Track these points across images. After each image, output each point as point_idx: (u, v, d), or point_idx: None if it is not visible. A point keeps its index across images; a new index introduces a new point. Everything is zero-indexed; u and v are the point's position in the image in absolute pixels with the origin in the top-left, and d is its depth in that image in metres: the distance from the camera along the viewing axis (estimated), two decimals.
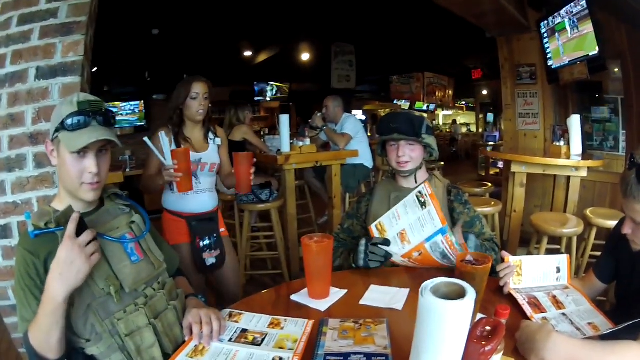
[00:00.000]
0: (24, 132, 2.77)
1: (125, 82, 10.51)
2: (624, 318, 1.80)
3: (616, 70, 5.71)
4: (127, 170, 8.11)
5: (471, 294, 0.97)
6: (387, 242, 2.47)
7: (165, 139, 3.13)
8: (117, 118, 10.05)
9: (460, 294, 0.98)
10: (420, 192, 2.38)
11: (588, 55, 5.59)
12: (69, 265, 1.58)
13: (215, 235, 3.63)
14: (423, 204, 2.36)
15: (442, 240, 2.30)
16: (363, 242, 2.59)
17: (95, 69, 7.54)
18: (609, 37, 5.52)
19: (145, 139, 3.19)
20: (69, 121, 1.77)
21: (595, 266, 2.41)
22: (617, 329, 1.80)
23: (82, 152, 1.79)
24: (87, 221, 1.79)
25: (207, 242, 3.55)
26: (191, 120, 3.51)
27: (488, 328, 1.26)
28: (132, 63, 10.03)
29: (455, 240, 2.30)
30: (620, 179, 1.87)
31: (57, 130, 1.80)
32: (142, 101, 10.70)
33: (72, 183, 1.83)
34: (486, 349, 1.18)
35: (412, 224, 2.41)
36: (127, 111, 10.51)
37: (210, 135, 3.66)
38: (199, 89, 3.42)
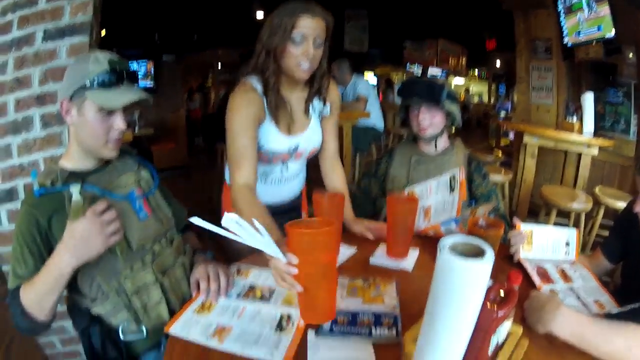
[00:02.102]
0: (30, 95, 2.73)
1: (135, 44, 10.38)
2: (628, 299, 1.83)
3: (631, 55, 5.66)
4: (136, 129, 8.15)
5: (490, 254, 0.97)
6: None
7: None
8: None
9: (477, 253, 0.98)
10: (454, 176, 2.41)
11: (604, 37, 5.57)
12: (84, 240, 1.57)
13: None
14: (452, 189, 2.39)
15: (456, 228, 2.33)
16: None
17: (104, 30, 7.54)
18: (625, 22, 5.45)
19: (228, 218, 1.44)
20: (101, 79, 1.72)
21: (603, 245, 2.42)
22: (623, 310, 1.82)
23: (110, 111, 1.77)
24: (94, 178, 1.82)
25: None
26: (289, 75, 2.21)
27: (502, 293, 1.28)
28: (141, 24, 9.96)
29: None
30: (634, 157, 1.89)
31: (82, 89, 1.73)
32: (152, 61, 10.64)
33: (96, 141, 1.80)
34: (499, 314, 1.19)
35: (437, 203, 2.44)
36: (137, 73, 10.30)
37: (315, 101, 2.44)
38: (307, 26, 2.06)
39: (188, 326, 1.63)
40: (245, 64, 2.28)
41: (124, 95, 1.75)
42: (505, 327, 1.40)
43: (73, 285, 1.71)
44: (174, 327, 1.63)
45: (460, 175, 2.37)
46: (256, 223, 1.43)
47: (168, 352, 1.51)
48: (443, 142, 2.85)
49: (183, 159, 9.98)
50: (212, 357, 1.48)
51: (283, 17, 2.07)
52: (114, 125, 1.79)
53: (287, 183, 2.60)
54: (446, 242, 1.00)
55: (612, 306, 1.88)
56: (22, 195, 2.76)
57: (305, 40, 2.08)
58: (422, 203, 2.48)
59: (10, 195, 2.77)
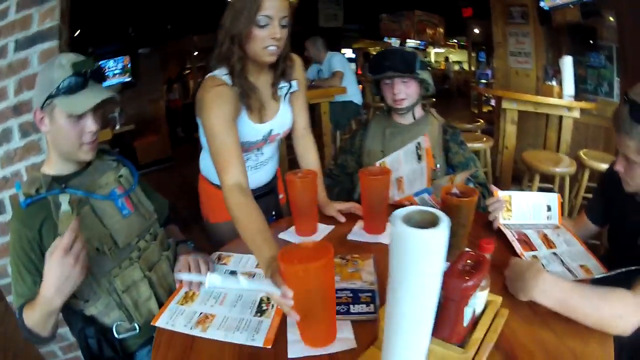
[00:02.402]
0: (7, 106, 2.74)
1: (110, 41, 10.33)
2: (617, 263, 1.81)
3: (611, 19, 5.65)
4: (117, 127, 8.11)
5: (445, 222, 0.94)
6: None
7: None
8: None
9: (433, 223, 0.96)
10: (419, 143, 2.38)
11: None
12: (65, 279, 1.56)
13: (274, 213, 2.76)
14: (420, 157, 2.37)
15: (429, 198, 2.32)
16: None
17: (78, 32, 7.47)
18: None
19: (211, 282, 1.44)
20: (66, 85, 1.71)
21: (587, 208, 2.42)
22: (610, 274, 1.81)
23: (80, 115, 1.77)
24: (76, 182, 1.84)
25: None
26: (256, 60, 2.15)
27: (470, 262, 1.28)
28: (114, 20, 9.89)
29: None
30: (613, 115, 1.87)
31: (50, 97, 1.73)
32: (128, 56, 10.57)
33: (71, 146, 1.80)
34: (468, 283, 1.19)
35: (408, 174, 2.42)
36: (113, 69, 10.34)
37: (282, 82, 2.37)
38: (272, 7, 1.97)
39: (173, 317, 1.68)
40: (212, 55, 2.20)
41: (89, 99, 1.75)
42: (482, 297, 1.41)
43: None
44: (161, 319, 1.67)
45: (425, 143, 2.34)
46: (239, 276, 1.41)
47: (156, 344, 1.55)
48: (418, 112, 2.85)
49: (166, 151, 9.98)
50: (196, 344, 1.53)
51: (245, 0, 1.97)
52: (86, 128, 1.80)
53: (262, 167, 2.57)
54: (399, 213, 0.98)
55: (599, 271, 1.87)
56: (8, 207, 2.79)
57: (270, 21, 1.99)
58: (395, 174, 2.48)
59: None
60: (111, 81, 10.03)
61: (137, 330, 1.90)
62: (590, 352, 1.38)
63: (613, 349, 1.41)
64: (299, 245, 1.42)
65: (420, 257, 0.94)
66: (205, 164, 2.55)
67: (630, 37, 5.07)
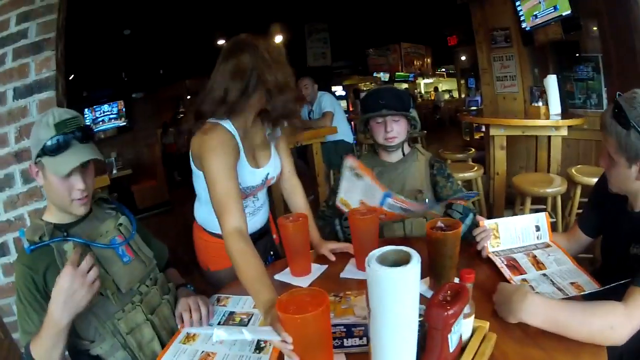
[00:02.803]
0: (8, 152, 2.80)
1: (103, 85, 10.37)
2: (611, 275, 1.84)
3: (594, 28, 5.72)
4: (114, 172, 8.13)
5: (416, 259, 0.98)
6: None
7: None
8: (99, 121, 10.08)
9: (407, 261, 1.01)
10: (349, 166, 2.46)
11: (561, 15, 5.65)
12: (71, 295, 1.61)
13: (272, 253, 2.83)
14: (359, 176, 2.43)
15: (394, 201, 2.34)
16: (336, 221, 2.66)
17: (72, 76, 7.53)
18: None
19: (217, 335, 1.56)
20: (50, 145, 1.76)
21: (579, 219, 2.43)
22: (601, 289, 1.83)
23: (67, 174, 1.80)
24: (77, 230, 1.88)
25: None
26: (252, 112, 2.32)
27: (450, 292, 1.30)
28: (107, 65, 9.96)
29: (404, 197, 2.33)
30: (601, 115, 1.92)
31: (39, 155, 1.79)
32: (122, 101, 10.60)
33: (62, 201, 1.85)
34: (449, 312, 1.21)
35: (363, 194, 2.46)
36: (108, 114, 10.39)
37: (268, 129, 2.52)
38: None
39: (176, 356, 1.73)
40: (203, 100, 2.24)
41: (72, 160, 1.78)
42: (467, 324, 1.45)
43: (72, 329, 1.73)
44: (164, 358, 1.72)
45: (350, 161, 2.47)
46: (243, 330, 1.47)
47: None
48: (406, 148, 2.89)
49: (164, 195, 9.95)
50: None
51: (254, 52, 2.13)
52: (74, 187, 1.83)
53: (258, 213, 2.63)
54: (374, 254, 1.03)
55: (591, 286, 1.89)
56: (13, 249, 2.83)
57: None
58: (355, 201, 2.52)
59: (2, 250, 2.84)
60: (108, 125, 10.09)
61: None
62: None
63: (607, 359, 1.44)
64: (295, 292, 1.45)
65: (395, 293, 0.99)
66: (202, 213, 2.58)
67: (614, 42, 5.15)
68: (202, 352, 1.73)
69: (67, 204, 1.86)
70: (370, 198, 2.43)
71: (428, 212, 2.47)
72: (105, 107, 10.30)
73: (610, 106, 1.87)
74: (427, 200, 2.27)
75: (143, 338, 1.92)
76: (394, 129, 2.75)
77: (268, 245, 2.80)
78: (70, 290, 1.60)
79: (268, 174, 2.49)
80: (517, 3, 6.39)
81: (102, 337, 1.85)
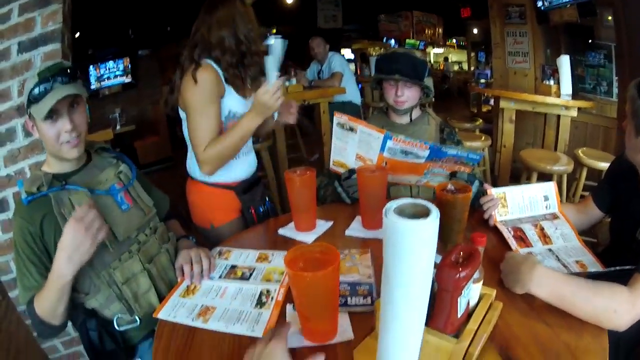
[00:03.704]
0: (11, 106, 2.76)
1: (110, 42, 10.25)
2: (616, 257, 1.83)
3: (609, 18, 5.67)
4: (118, 127, 8.13)
5: (435, 213, 0.97)
6: (352, 172, 2.49)
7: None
8: (105, 77, 9.98)
9: (425, 214, 0.98)
10: (338, 123, 2.46)
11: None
12: (76, 248, 1.63)
13: (268, 199, 2.94)
14: (351, 129, 2.41)
15: (394, 143, 2.31)
16: (336, 183, 2.63)
17: (78, 34, 7.47)
18: None
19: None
20: (34, 93, 1.77)
21: (593, 192, 2.41)
22: (604, 271, 1.83)
23: (54, 116, 1.81)
24: (76, 178, 1.89)
25: (261, 209, 2.81)
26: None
27: (463, 254, 1.29)
28: (114, 23, 9.88)
29: (404, 136, 2.31)
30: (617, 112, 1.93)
31: (28, 106, 1.81)
32: (128, 57, 10.51)
33: (53, 147, 1.85)
34: (461, 274, 1.20)
35: (358, 147, 2.44)
36: (114, 70, 10.29)
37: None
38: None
39: (175, 310, 1.71)
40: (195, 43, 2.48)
41: (50, 100, 1.77)
42: (476, 290, 1.44)
43: None
44: (162, 311, 1.70)
45: (341, 118, 2.49)
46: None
47: (158, 335, 1.58)
48: (415, 113, 2.87)
49: (167, 152, 9.93)
50: (198, 335, 1.56)
51: (243, 11, 2.48)
52: (62, 129, 1.83)
53: (250, 153, 2.83)
54: (391, 205, 1.01)
55: (595, 266, 1.89)
56: (12, 205, 2.81)
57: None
58: (350, 159, 2.53)
59: (2, 205, 2.82)
60: (112, 82, 10.03)
61: (138, 323, 1.93)
62: (584, 345, 1.40)
63: (608, 343, 1.42)
64: (304, 247, 1.42)
65: (412, 247, 0.96)
66: (196, 165, 2.58)
67: (628, 36, 5.09)
68: (202, 305, 1.72)
69: (58, 149, 1.85)
70: (367, 149, 2.41)
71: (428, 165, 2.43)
72: (111, 63, 10.20)
73: (636, 79, 1.85)
74: (428, 144, 2.23)
75: (139, 288, 1.93)
76: (405, 94, 2.74)
77: (264, 192, 2.95)
78: (74, 244, 1.62)
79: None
80: None
81: (97, 288, 1.85)
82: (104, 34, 9.89)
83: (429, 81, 2.75)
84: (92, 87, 9.66)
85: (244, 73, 2.54)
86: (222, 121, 2.50)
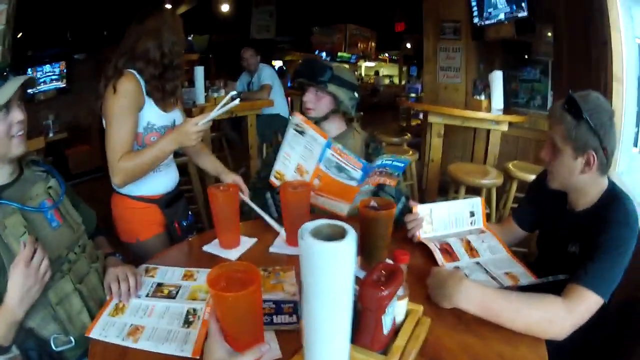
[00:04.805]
0: None
1: (48, 44, 10.10)
2: (546, 269, 1.88)
3: (549, 34, 5.85)
4: (51, 135, 7.83)
5: (352, 233, 0.97)
6: None
7: None
8: (41, 82, 9.69)
9: (342, 236, 0.98)
10: (295, 123, 2.40)
11: (516, 16, 5.74)
12: (27, 291, 1.61)
13: (190, 213, 3.00)
14: (302, 132, 2.38)
15: (332, 153, 2.31)
16: (268, 195, 2.64)
17: (20, 34, 7.32)
18: (543, 1, 5.65)
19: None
20: None
21: (514, 212, 2.46)
22: (537, 282, 1.86)
23: (6, 108, 1.77)
24: (8, 193, 1.83)
25: (184, 223, 2.84)
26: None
27: (385, 273, 1.30)
28: (54, 24, 9.72)
29: (342, 147, 2.30)
30: (551, 107, 1.96)
31: None
32: (64, 62, 10.23)
33: (2, 143, 1.80)
34: (383, 293, 1.21)
35: (302, 154, 2.42)
36: (50, 74, 10.03)
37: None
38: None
39: (105, 329, 1.68)
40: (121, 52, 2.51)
41: (9, 88, 1.75)
42: (401, 306, 1.44)
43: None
44: (94, 330, 1.67)
45: (297, 117, 2.41)
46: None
47: (91, 354, 1.57)
48: (336, 127, 2.85)
49: (98, 162, 9.56)
50: (130, 355, 1.53)
51: (176, 25, 2.56)
52: (14, 120, 1.80)
53: (172, 165, 2.86)
54: (307, 226, 1.00)
55: (525, 277, 1.92)
56: None
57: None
58: (290, 169, 2.50)
59: None
60: (48, 87, 9.79)
61: (73, 343, 1.87)
62: (520, 355, 1.43)
63: (546, 352, 1.45)
64: (226, 267, 1.38)
65: (329, 269, 0.96)
66: None
67: (568, 50, 5.23)
68: (131, 325, 1.69)
69: (7, 144, 1.80)
70: (308, 157, 2.40)
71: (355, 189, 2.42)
72: (47, 67, 9.83)
73: (561, 100, 1.90)
74: (362, 161, 2.23)
75: (72, 309, 1.88)
76: (311, 100, 2.75)
77: (186, 207, 2.98)
78: (25, 287, 1.61)
79: (175, 120, 2.72)
80: None
81: (34, 309, 1.78)
82: (43, 35, 9.71)
83: (339, 91, 2.71)
84: (29, 90, 9.36)
85: (164, 86, 2.54)
86: (140, 132, 2.51)
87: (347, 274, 0.98)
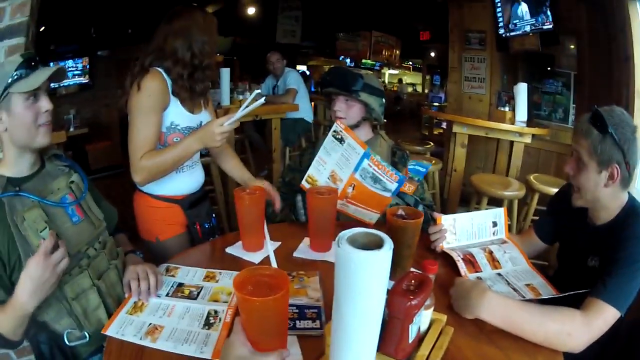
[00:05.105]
0: None
1: (71, 40, 10.11)
2: (566, 283, 1.86)
3: (572, 47, 5.82)
4: (71, 129, 7.93)
5: (388, 244, 0.96)
6: None
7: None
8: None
9: (378, 245, 0.98)
10: (335, 130, 2.40)
11: (541, 28, 5.72)
12: (41, 284, 1.58)
13: (214, 215, 2.95)
14: (341, 140, 2.38)
15: (369, 164, 2.32)
16: (299, 197, 2.63)
17: (43, 28, 7.35)
18: (566, 14, 5.61)
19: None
20: (21, 71, 1.73)
21: (535, 225, 2.45)
22: (558, 296, 1.84)
23: (35, 94, 1.78)
24: (29, 185, 1.82)
25: (207, 226, 2.81)
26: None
27: (414, 282, 1.30)
28: (78, 20, 9.74)
29: (380, 158, 2.32)
30: (576, 122, 1.95)
31: (5, 89, 1.73)
32: (87, 57, 10.27)
33: (28, 130, 1.79)
34: (412, 302, 1.21)
35: (337, 161, 2.42)
36: (73, 69, 10.04)
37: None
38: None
39: (123, 327, 1.67)
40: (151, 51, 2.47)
41: (42, 75, 1.77)
42: (427, 316, 1.44)
43: None
44: (111, 328, 1.66)
45: (340, 125, 2.42)
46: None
47: (107, 352, 1.55)
48: (364, 134, 2.83)
49: (118, 158, 9.67)
50: (146, 354, 1.52)
51: (211, 28, 2.53)
52: (41, 109, 1.81)
53: (196, 166, 2.80)
54: (344, 234, 1.00)
55: (546, 289, 1.92)
56: None
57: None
58: (324, 175, 2.50)
59: None
60: (70, 82, 9.83)
61: (87, 339, 1.87)
62: None
63: None
64: (254, 270, 1.37)
65: (364, 277, 0.96)
66: None
67: (591, 64, 5.19)
68: (150, 324, 1.68)
69: (34, 132, 1.81)
70: (343, 165, 2.41)
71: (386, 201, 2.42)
72: (70, 62, 9.95)
73: (586, 114, 1.90)
74: (399, 175, 2.24)
75: (89, 305, 1.87)
76: (342, 109, 2.75)
77: (210, 209, 2.93)
78: (41, 279, 1.58)
79: (202, 122, 2.63)
80: (499, 10, 6.41)
81: (48, 302, 1.78)
82: (66, 30, 9.74)
83: (371, 99, 2.72)
84: (52, 85, 9.42)
85: (192, 86, 2.50)
86: (163, 132, 2.49)
87: (381, 283, 0.98)
